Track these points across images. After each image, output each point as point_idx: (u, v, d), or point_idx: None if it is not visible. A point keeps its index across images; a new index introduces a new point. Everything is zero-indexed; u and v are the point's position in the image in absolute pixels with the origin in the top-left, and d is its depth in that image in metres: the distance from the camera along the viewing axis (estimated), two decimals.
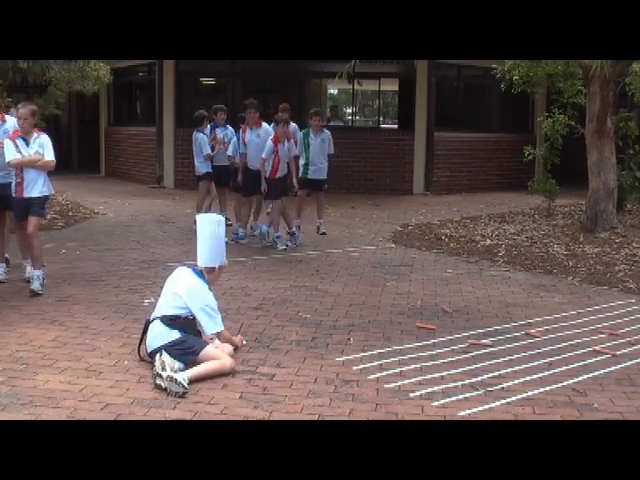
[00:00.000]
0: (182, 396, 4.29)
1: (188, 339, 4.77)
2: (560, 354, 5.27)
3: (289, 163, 9.49)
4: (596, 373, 4.89)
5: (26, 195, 6.65)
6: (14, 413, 4.00)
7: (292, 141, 9.60)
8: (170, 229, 10.58)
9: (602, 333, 5.82)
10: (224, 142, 10.39)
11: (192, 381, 4.44)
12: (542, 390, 4.56)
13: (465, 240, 9.96)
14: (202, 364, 4.64)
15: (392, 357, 5.14)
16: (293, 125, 10.81)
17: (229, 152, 9.99)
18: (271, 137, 9.30)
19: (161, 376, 4.40)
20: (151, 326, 4.85)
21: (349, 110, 22.00)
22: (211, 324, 4.90)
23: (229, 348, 5.00)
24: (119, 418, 3.99)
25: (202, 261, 5.10)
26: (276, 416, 4.08)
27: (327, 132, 10.47)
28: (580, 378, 4.79)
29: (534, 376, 4.81)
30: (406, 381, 4.68)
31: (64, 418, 3.96)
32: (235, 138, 10.01)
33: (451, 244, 9.72)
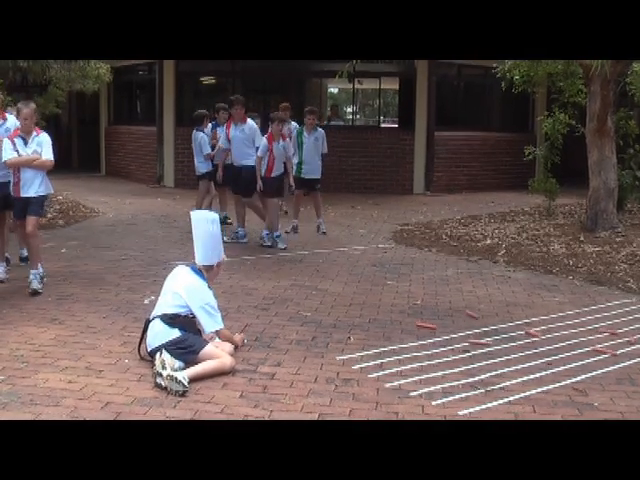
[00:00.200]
0: (182, 395, 4.29)
1: (188, 338, 4.77)
2: (560, 353, 5.27)
3: (286, 163, 9.47)
4: (596, 372, 4.89)
5: (23, 195, 6.62)
6: (14, 412, 4.00)
7: (288, 140, 9.55)
8: (170, 228, 10.57)
9: (602, 333, 5.82)
10: None
11: (192, 380, 4.44)
12: (542, 389, 4.56)
13: (465, 239, 9.96)
14: (202, 363, 4.64)
15: (392, 356, 5.14)
16: (293, 124, 10.81)
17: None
18: (266, 135, 9.30)
19: (161, 375, 4.40)
20: (151, 325, 4.85)
21: (349, 109, 22.03)
22: (210, 322, 4.90)
23: (229, 347, 5.00)
24: (119, 417, 3.99)
25: (199, 259, 5.10)
26: (276, 415, 4.08)
27: (321, 131, 10.48)
28: (580, 377, 4.79)
29: (534, 375, 4.81)
30: (406, 380, 4.68)
31: (64, 417, 3.96)
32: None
33: (451, 243, 9.72)
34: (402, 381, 4.66)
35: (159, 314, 4.86)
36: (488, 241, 9.79)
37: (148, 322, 4.90)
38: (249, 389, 4.46)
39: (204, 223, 5.12)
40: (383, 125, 18.77)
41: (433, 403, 4.32)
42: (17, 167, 6.60)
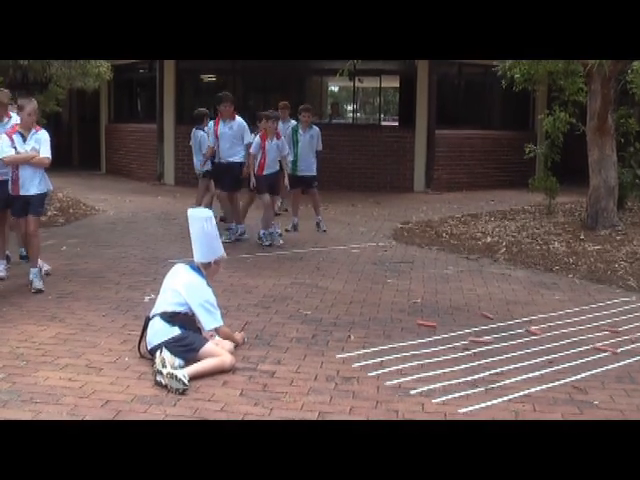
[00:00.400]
0: (182, 393, 4.29)
1: (188, 336, 4.77)
2: (560, 351, 5.27)
3: (281, 162, 9.41)
4: (596, 370, 4.89)
5: (22, 193, 6.58)
6: (14, 410, 4.00)
7: (282, 139, 9.48)
8: (170, 226, 10.57)
9: (602, 331, 5.82)
10: None
11: (192, 378, 4.44)
12: (542, 387, 4.56)
13: (466, 237, 9.95)
14: (202, 361, 4.64)
15: (392, 354, 5.14)
16: (293, 122, 10.80)
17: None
18: (260, 133, 9.28)
19: (161, 373, 4.39)
20: (151, 323, 4.85)
21: (350, 107, 22.01)
22: (210, 320, 4.90)
23: (229, 345, 5.00)
24: (119, 415, 3.99)
25: (196, 257, 5.11)
26: (276, 413, 4.08)
27: (316, 128, 10.49)
28: (580, 375, 4.79)
29: (534, 373, 4.81)
30: (406, 378, 4.68)
31: (64, 415, 3.96)
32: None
33: (452, 241, 9.72)
34: (402, 379, 4.66)
35: (159, 312, 4.86)
36: (488, 239, 9.78)
37: (148, 320, 4.90)
38: (249, 387, 4.46)
39: (199, 221, 5.13)
40: (384, 123, 18.76)
41: (433, 401, 4.32)
42: (15, 165, 6.57)
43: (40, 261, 6.91)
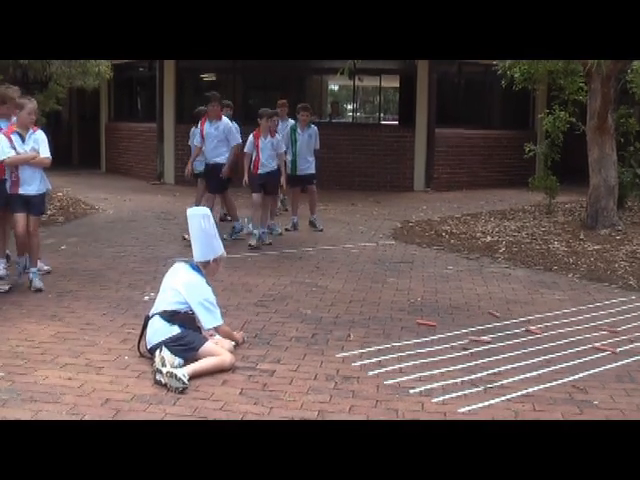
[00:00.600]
0: (182, 392, 4.29)
1: (188, 335, 4.76)
2: (560, 351, 5.27)
3: (279, 160, 9.32)
4: (596, 370, 4.89)
5: (22, 192, 6.56)
6: (14, 409, 4.00)
7: (277, 136, 9.38)
8: (170, 225, 10.57)
9: (602, 330, 5.82)
10: None
11: (192, 377, 4.44)
12: (542, 387, 4.56)
13: (465, 237, 9.95)
14: (202, 360, 4.64)
15: (392, 354, 5.13)
16: (291, 121, 10.78)
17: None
18: (253, 132, 9.26)
19: (161, 372, 4.39)
20: (151, 322, 4.85)
21: (350, 106, 21.99)
22: (210, 318, 4.90)
23: (229, 344, 5.00)
24: (119, 414, 3.99)
25: (195, 256, 5.11)
26: (276, 412, 4.08)
27: (314, 127, 10.48)
28: (580, 375, 4.79)
29: (534, 373, 4.81)
30: (406, 378, 4.68)
31: (64, 414, 3.96)
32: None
33: (451, 241, 9.72)
34: (402, 378, 4.66)
35: (159, 311, 4.86)
36: (488, 238, 9.79)
37: (148, 319, 4.89)
38: (249, 386, 4.46)
39: (196, 219, 5.13)
40: (384, 122, 18.76)
41: (433, 400, 4.32)
42: (16, 166, 6.55)
43: (40, 262, 6.90)
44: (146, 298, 6.29)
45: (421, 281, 7.42)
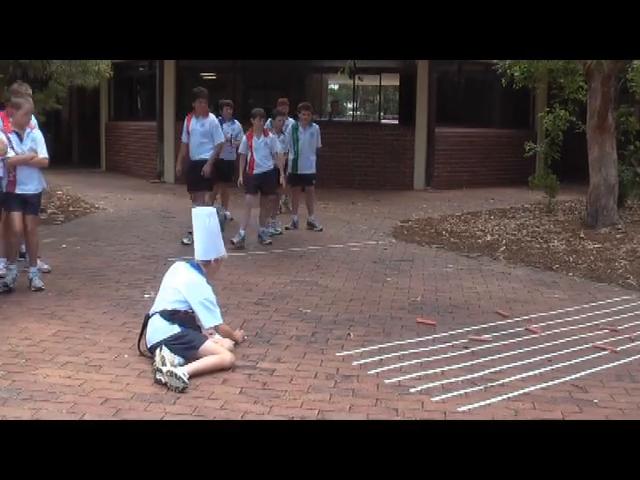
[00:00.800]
0: (182, 391, 4.29)
1: (188, 334, 4.77)
2: (560, 350, 5.27)
3: (275, 159, 9.20)
4: (596, 369, 4.89)
5: (19, 191, 6.52)
6: (14, 408, 4.00)
7: (271, 135, 9.28)
8: (170, 224, 10.57)
9: (602, 329, 5.82)
10: (231, 140, 10.33)
11: (192, 376, 4.44)
12: (542, 386, 4.56)
13: (466, 235, 9.96)
14: (202, 359, 4.64)
15: (392, 352, 5.14)
16: (291, 121, 10.76)
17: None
18: (246, 133, 9.23)
19: (161, 371, 4.40)
20: (151, 321, 4.85)
21: (350, 105, 22.00)
22: (210, 317, 4.90)
23: (229, 343, 5.00)
24: (119, 413, 3.99)
25: (197, 255, 5.12)
26: (276, 411, 4.08)
27: (316, 126, 10.47)
28: (580, 374, 4.79)
29: (534, 372, 4.81)
30: (406, 376, 4.68)
31: (64, 412, 3.96)
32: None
33: (452, 239, 9.72)
34: (402, 377, 4.66)
35: (159, 310, 4.86)
36: (488, 237, 9.79)
37: (148, 318, 4.90)
38: (249, 385, 4.47)
39: (202, 217, 5.15)
40: (384, 121, 18.75)
41: (433, 399, 4.32)
42: (13, 166, 6.53)
43: (40, 262, 6.90)
44: (146, 297, 6.29)
45: (421, 280, 7.43)
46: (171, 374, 4.33)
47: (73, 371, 4.60)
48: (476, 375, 4.73)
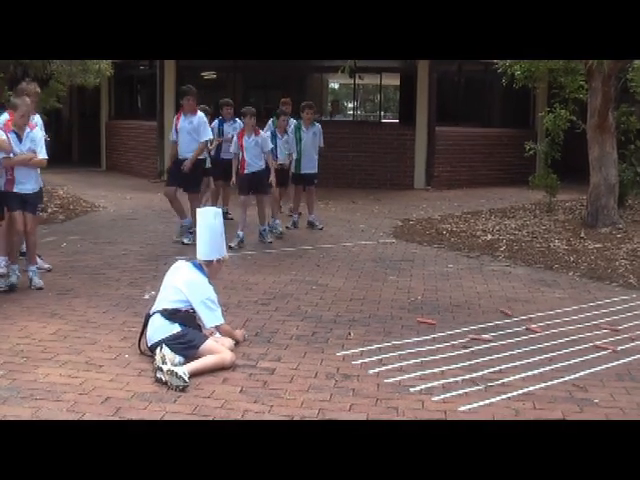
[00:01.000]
0: (182, 390, 4.29)
1: (188, 333, 4.77)
2: (560, 349, 5.27)
3: (267, 160, 9.09)
4: (596, 368, 4.89)
5: (17, 190, 6.52)
6: (14, 406, 4.00)
7: (262, 134, 9.19)
8: (171, 223, 10.53)
9: (603, 329, 5.82)
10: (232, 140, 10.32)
11: (192, 375, 4.44)
12: (542, 385, 4.56)
13: (466, 235, 9.95)
14: (202, 358, 4.64)
15: (392, 352, 5.14)
16: (292, 120, 10.76)
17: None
18: (237, 132, 9.20)
19: (161, 370, 4.40)
20: (151, 320, 4.85)
21: (350, 105, 21.99)
22: (211, 317, 4.91)
23: (229, 342, 5.01)
24: (119, 412, 3.99)
25: (199, 254, 5.12)
26: (276, 411, 4.08)
27: (318, 125, 10.47)
28: (580, 373, 4.79)
29: (534, 371, 4.81)
30: (406, 376, 4.68)
31: (64, 411, 3.96)
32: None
33: (452, 239, 9.72)
34: (402, 377, 4.66)
35: (159, 309, 4.86)
36: (488, 237, 9.79)
37: (148, 317, 4.90)
38: (249, 384, 4.47)
39: (207, 217, 5.16)
40: (384, 120, 18.75)
41: (433, 399, 4.32)
42: (12, 166, 6.52)
43: (40, 261, 6.90)
44: (146, 296, 6.29)
45: (421, 279, 7.43)
46: (171, 373, 4.33)
47: (73, 370, 4.60)
48: (476, 375, 4.73)
